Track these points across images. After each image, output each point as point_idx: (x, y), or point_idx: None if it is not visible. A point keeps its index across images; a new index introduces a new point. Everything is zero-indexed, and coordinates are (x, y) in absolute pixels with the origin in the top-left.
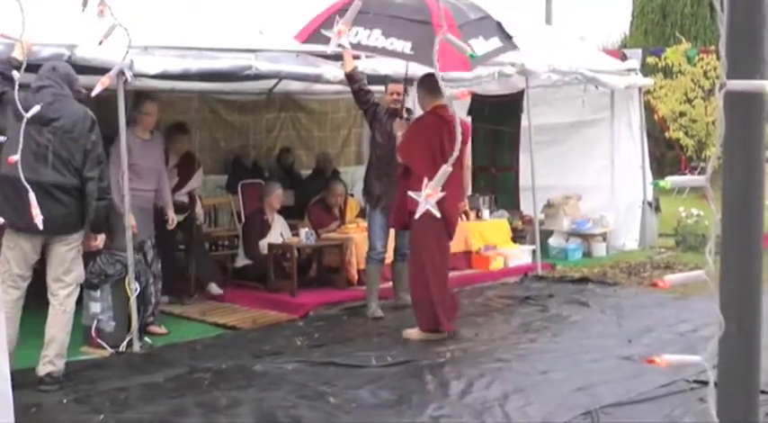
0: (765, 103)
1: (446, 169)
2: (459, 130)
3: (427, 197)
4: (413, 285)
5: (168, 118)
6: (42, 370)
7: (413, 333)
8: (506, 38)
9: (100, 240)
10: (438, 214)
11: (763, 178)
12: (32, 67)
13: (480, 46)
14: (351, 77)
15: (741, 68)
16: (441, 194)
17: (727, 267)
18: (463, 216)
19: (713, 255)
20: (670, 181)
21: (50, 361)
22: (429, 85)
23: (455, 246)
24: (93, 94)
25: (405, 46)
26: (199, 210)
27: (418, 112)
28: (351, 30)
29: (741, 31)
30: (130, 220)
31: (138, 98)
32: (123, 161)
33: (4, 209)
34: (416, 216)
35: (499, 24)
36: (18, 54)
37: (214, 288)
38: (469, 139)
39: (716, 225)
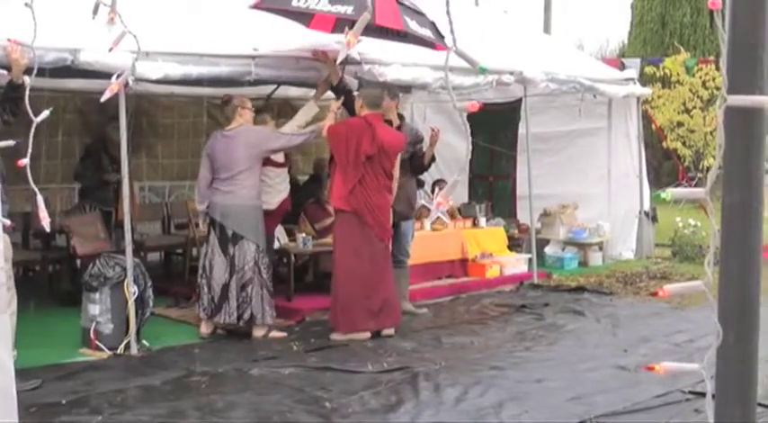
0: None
1: (456, 179)
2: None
3: (438, 205)
4: (332, 286)
5: (166, 122)
6: None
7: (336, 335)
8: (440, 36)
9: None
10: (448, 221)
11: (762, 191)
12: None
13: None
14: (337, 90)
15: (741, 84)
16: (451, 203)
17: (726, 278)
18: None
19: (711, 266)
20: (671, 193)
21: None
22: (368, 97)
23: (452, 253)
24: (103, 99)
25: (427, 32)
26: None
27: (415, 119)
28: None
29: (741, 48)
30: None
31: None
32: (124, 165)
33: None
34: (428, 223)
35: (433, 24)
36: (16, 76)
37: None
38: (400, 152)
39: (715, 237)
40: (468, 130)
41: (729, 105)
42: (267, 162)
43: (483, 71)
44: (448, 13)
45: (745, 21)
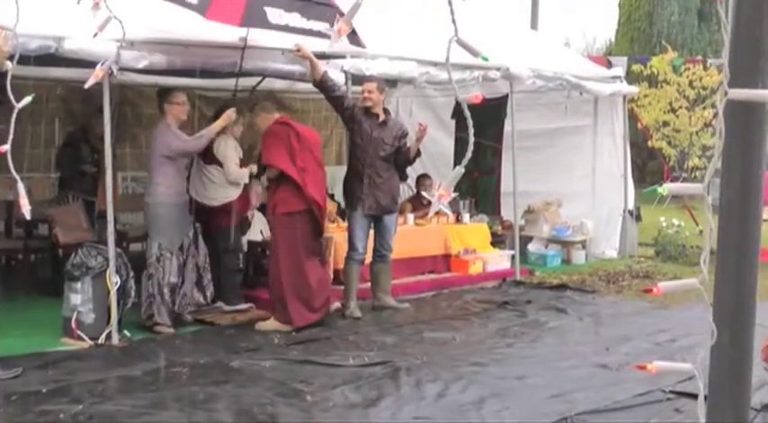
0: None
1: (459, 170)
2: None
3: (440, 197)
4: (270, 280)
5: (151, 113)
6: None
7: (267, 324)
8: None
9: None
10: (450, 213)
11: (761, 189)
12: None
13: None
14: (321, 84)
15: (743, 78)
16: (454, 195)
17: (722, 278)
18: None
19: (707, 264)
20: (668, 188)
21: None
22: (270, 101)
23: (435, 248)
24: (86, 86)
25: (324, 26)
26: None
27: (400, 113)
28: (274, 13)
29: (745, 40)
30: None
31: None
32: (107, 156)
33: None
34: (429, 215)
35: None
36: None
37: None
38: (319, 146)
39: (710, 235)
40: (471, 122)
41: (730, 99)
42: (213, 161)
43: (485, 60)
44: (450, 2)
45: (750, 12)
